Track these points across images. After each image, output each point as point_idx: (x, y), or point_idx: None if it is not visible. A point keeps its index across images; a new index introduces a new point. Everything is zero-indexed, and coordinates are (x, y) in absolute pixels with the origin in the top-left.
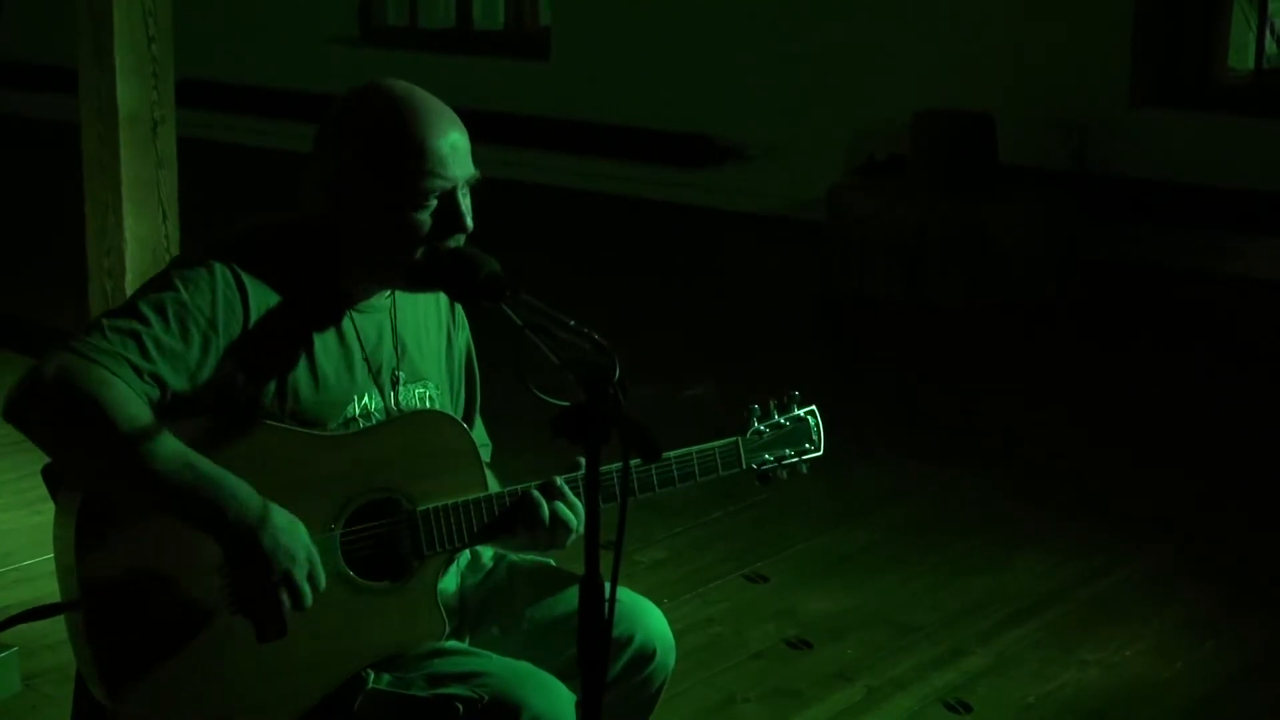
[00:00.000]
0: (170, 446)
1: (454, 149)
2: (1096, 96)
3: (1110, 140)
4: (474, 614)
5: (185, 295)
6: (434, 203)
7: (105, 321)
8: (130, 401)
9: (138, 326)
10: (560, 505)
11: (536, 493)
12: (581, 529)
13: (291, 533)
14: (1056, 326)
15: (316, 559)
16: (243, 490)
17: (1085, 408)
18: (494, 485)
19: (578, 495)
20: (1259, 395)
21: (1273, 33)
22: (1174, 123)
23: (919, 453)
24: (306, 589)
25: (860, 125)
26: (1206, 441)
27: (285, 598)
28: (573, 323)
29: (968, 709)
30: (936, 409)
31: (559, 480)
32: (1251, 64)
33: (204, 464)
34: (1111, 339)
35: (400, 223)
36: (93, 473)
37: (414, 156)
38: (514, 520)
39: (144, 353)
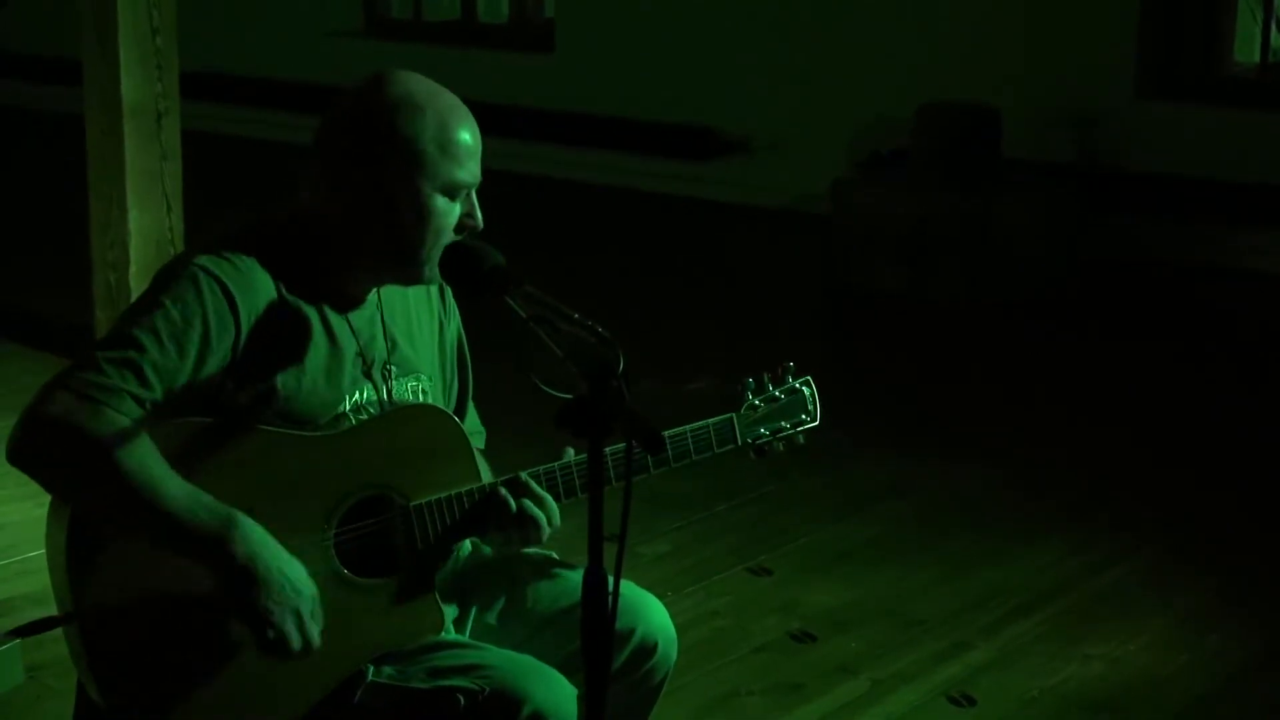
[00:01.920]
0: (175, 486)
1: (478, 145)
2: (1102, 90)
3: (1115, 134)
4: (473, 605)
5: (175, 313)
6: (461, 195)
7: (100, 355)
8: (135, 442)
9: (133, 355)
10: (527, 502)
11: (504, 490)
12: (556, 523)
13: (294, 567)
14: (1060, 320)
15: (315, 593)
16: (244, 524)
17: (1089, 402)
18: (487, 475)
19: (555, 487)
20: (1264, 390)
21: (1278, 26)
22: (1179, 116)
23: (922, 446)
24: (313, 625)
25: (864, 119)
26: (1211, 436)
27: (294, 634)
28: (576, 315)
29: (971, 703)
30: (939, 403)
31: (524, 475)
32: (1257, 57)
33: (208, 500)
34: (1115, 333)
35: (426, 211)
36: (100, 514)
37: (443, 144)
38: (483, 518)
39: (143, 382)
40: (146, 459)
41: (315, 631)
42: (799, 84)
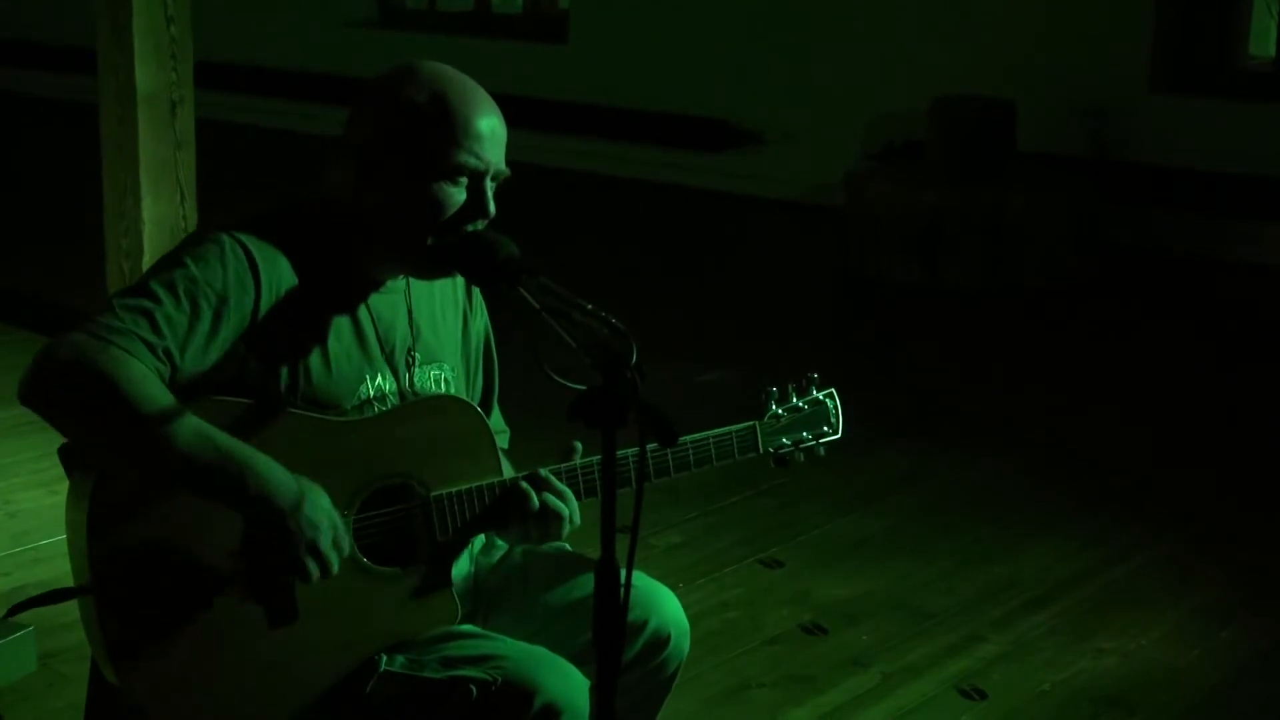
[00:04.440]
0: (188, 422)
1: (493, 133)
2: (1116, 82)
3: (1129, 126)
4: (489, 596)
5: (195, 271)
6: (464, 180)
7: (116, 301)
8: (147, 379)
9: (148, 304)
10: (550, 496)
11: (525, 485)
12: (576, 520)
13: (313, 501)
14: (1073, 313)
15: (340, 525)
16: (261, 461)
17: (1102, 394)
18: (510, 473)
19: (576, 485)
20: (1277, 382)
21: None
22: (1193, 109)
23: (935, 438)
24: (333, 556)
25: (878, 110)
26: (1226, 430)
27: (311, 565)
28: (590, 306)
29: (983, 696)
30: (953, 394)
31: (544, 471)
32: (1272, 51)
33: (222, 438)
34: (1128, 325)
35: (427, 194)
36: (113, 452)
37: (453, 128)
38: (504, 513)
39: (156, 329)
40: (156, 394)
41: (335, 559)
42: (813, 75)
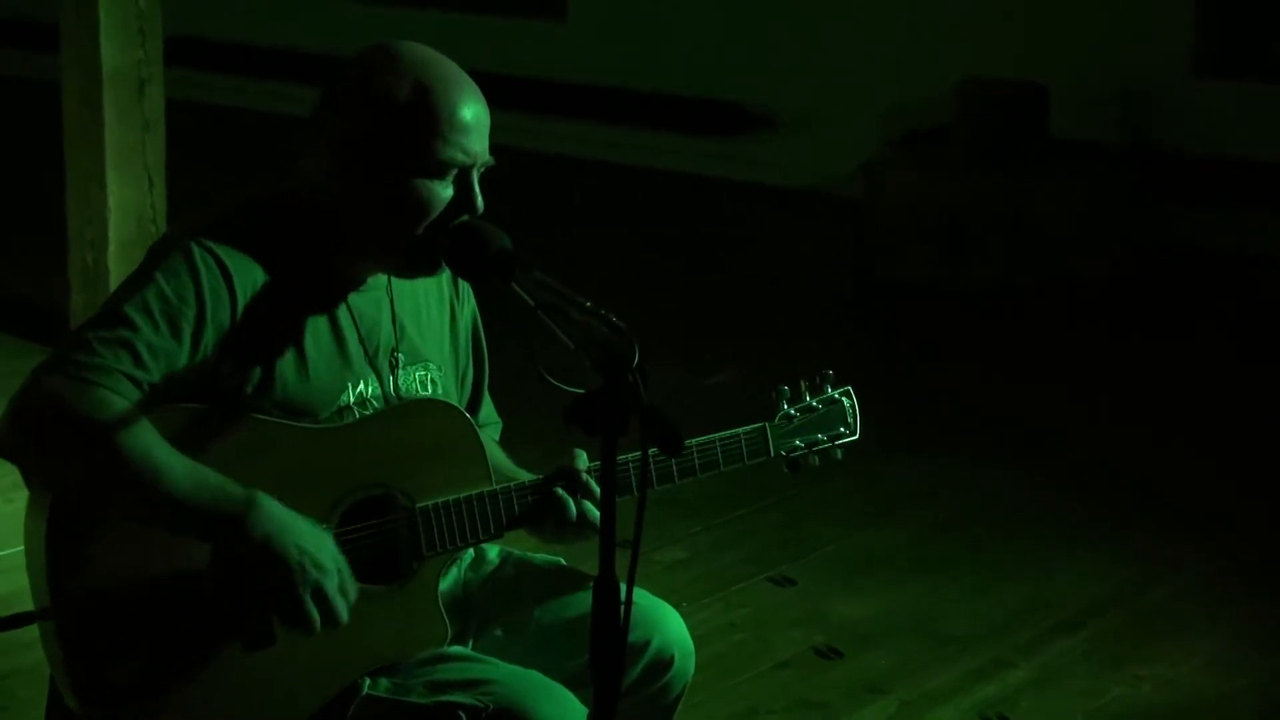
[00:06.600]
0: (182, 466)
1: (478, 122)
2: (1156, 66)
3: (1170, 114)
4: (479, 615)
5: (168, 290)
6: (451, 176)
7: (90, 334)
8: (134, 424)
9: (126, 334)
10: (587, 504)
11: (562, 491)
12: (592, 515)
13: (318, 543)
14: (1108, 314)
15: (346, 569)
16: (262, 501)
17: (1137, 401)
18: (505, 463)
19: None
20: None
21: None
22: (1240, 95)
23: (957, 447)
24: (340, 601)
25: (901, 93)
26: (1268, 438)
27: (314, 613)
28: (589, 303)
29: None
30: (976, 400)
31: (587, 477)
32: None
33: (214, 478)
34: (1167, 327)
35: (412, 193)
36: (104, 503)
37: (437, 122)
38: (542, 515)
39: (138, 362)
40: (147, 440)
41: (342, 607)
42: (831, 55)
